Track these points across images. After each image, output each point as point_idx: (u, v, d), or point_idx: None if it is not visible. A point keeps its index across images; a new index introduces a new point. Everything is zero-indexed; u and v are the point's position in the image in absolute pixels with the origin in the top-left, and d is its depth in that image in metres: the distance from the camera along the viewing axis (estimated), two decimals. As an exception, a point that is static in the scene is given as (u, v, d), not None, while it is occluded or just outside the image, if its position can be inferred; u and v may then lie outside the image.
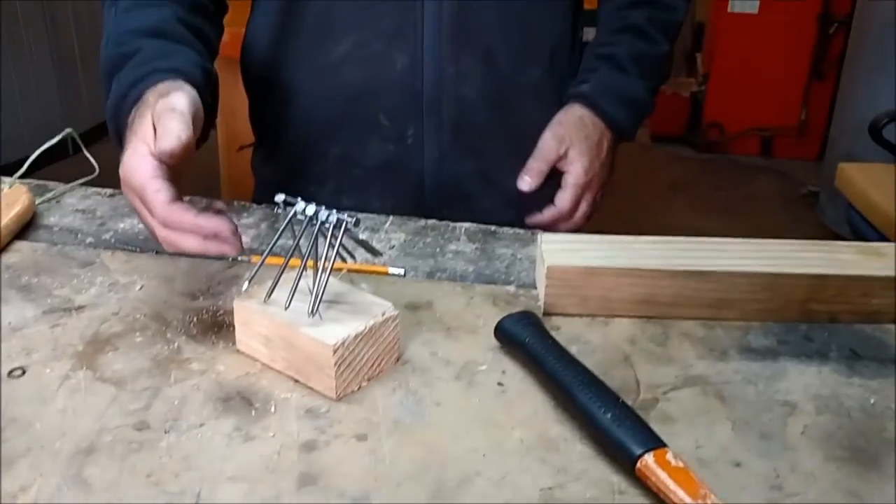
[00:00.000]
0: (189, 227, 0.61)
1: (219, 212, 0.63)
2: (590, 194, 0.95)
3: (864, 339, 0.68)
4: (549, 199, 0.94)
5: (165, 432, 0.54)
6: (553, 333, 0.64)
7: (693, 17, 4.87)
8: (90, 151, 0.92)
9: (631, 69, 0.95)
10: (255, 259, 0.77)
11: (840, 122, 3.34)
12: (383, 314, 0.61)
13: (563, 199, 0.93)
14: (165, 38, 0.77)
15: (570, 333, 0.68)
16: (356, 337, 0.58)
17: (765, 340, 0.68)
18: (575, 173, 0.92)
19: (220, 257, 0.76)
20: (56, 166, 1.06)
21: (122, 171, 0.65)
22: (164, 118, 0.63)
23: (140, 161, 0.63)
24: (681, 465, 0.50)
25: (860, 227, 2.09)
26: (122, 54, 0.75)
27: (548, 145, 0.92)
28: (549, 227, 0.93)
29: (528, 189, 0.91)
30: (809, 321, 0.70)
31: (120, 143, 0.74)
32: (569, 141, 0.92)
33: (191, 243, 0.62)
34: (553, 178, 0.94)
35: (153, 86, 0.69)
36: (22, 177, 0.87)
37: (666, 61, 0.99)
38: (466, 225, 0.87)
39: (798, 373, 0.63)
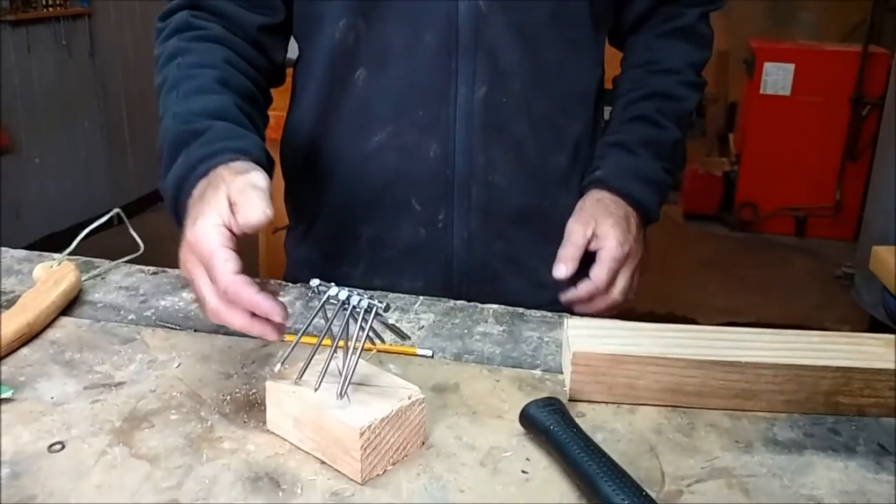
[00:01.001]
0: (246, 302, 0.63)
1: (273, 294, 0.65)
2: (627, 270, 0.92)
3: (893, 434, 0.67)
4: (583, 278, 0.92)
5: (195, 511, 0.56)
6: (578, 420, 0.64)
7: (726, 97, 4.93)
8: (133, 223, 0.96)
9: (641, 152, 0.96)
10: (289, 339, 0.79)
11: (874, 203, 3.32)
12: (410, 398, 0.62)
13: (599, 272, 0.90)
14: (230, 122, 0.82)
15: (596, 421, 0.68)
16: (382, 420, 0.60)
17: (791, 433, 0.67)
18: (609, 247, 0.90)
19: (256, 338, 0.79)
20: (101, 236, 1.10)
21: (190, 237, 0.67)
22: (248, 194, 0.66)
23: (213, 230, 0.66)
24: (703, 561, 0.50)
25: (895, 311, 2.06)
26: (191, 131, 0.79)
27: (575, 231, 0.91)
28: (587, 304, 0.91)
29: (564, 276, 0.89)
30: (836, 414, 0.70)
31: (176, 215, 0.77)
32: (594, 221, 0.91)
33: (238, 319, 0.64)
34: (587, 265, 0.91)
35: (225, 163, 0.73)
36: (70, 253, 0.91)
37: (678, 147, 1.00)
38: (494, 307, 0.89)
39: (824, 467, 0.63)
